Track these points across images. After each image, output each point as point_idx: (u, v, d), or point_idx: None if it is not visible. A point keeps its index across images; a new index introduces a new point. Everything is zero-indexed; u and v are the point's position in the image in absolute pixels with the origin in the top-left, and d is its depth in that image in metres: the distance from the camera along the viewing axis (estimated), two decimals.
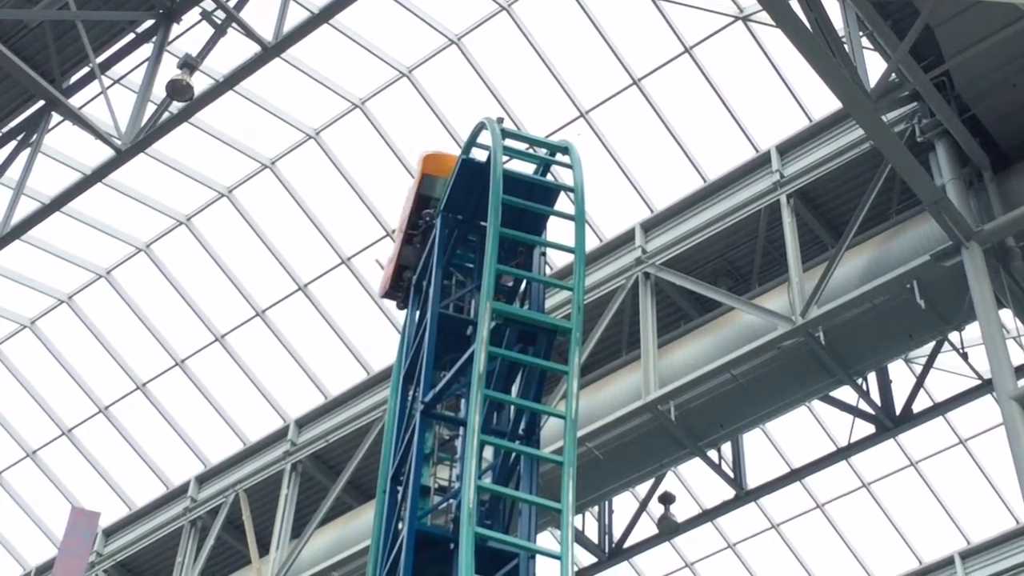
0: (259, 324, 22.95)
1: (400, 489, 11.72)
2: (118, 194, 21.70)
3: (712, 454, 17.79)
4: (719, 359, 16.26)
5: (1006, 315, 15.41)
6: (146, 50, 17.45)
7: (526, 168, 12.61)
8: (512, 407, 11.69)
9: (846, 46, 14.18)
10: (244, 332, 23.14)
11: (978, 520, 23.31)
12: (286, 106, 21.07)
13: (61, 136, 19.48)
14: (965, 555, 19.62)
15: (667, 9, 19.37)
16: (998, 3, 13.69)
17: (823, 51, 13.26)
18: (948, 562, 19.68)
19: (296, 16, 16.77)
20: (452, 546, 10.78)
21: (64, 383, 24.23)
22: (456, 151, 13.14)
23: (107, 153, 17.16)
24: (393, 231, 14.23)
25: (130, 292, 23.23)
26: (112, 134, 16.94)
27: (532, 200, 12.00)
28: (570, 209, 12.09)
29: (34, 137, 17.76)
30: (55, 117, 17.81)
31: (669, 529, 19.13)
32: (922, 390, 17.62)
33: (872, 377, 17.28)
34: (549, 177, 12.69)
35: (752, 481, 18.34)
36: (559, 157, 12.58)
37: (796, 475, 18.81)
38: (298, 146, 21.38)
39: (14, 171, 18.01)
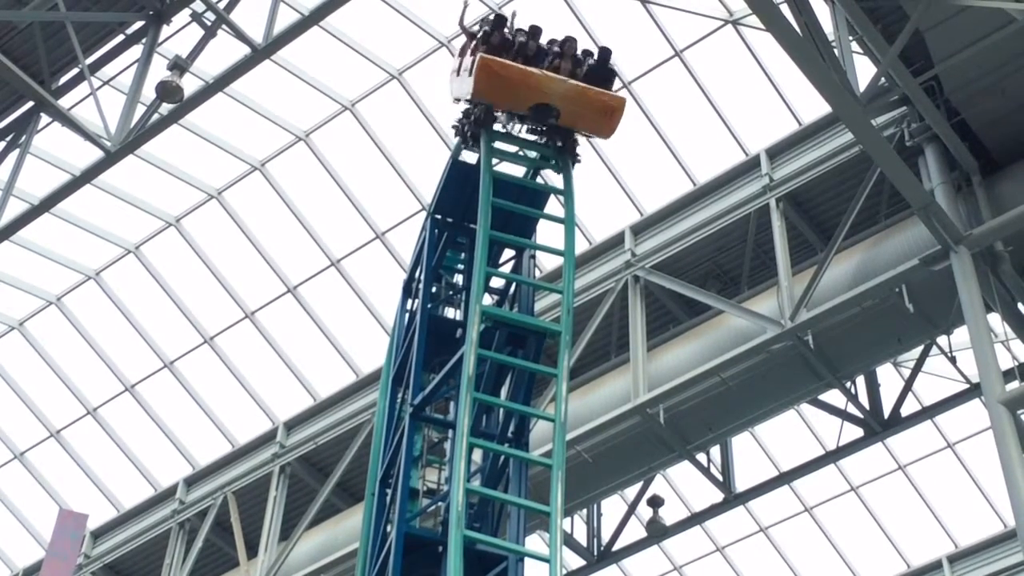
0: (248, 326, 22.91)
1: (389, 491, 11.72)
2: (107, 195, 21.65)
3: (701, 457, 17.80)
4: (708, 362, 16.27)
5: (994, 319, 15.43)
6: (136, 51, 17.43)
7: (516, 171, 12.61)
8: (501, 410, 11.70)
9: (836, 50, 14.19)
10: (233, 334, 23.10)
11: (966, 524, 23.33)
12: (276, 108, 21.04)
13: (50, 137, 19.44)
14: (953, 559, 19.69)
15: (657, 13, 19.38)
16: (987, 8, 13.71)
17: (813, 55, 13.27)
18: (936, 566, 19.77)
19: (286, 18, 16.76)
20: (441, 549, 10.79)
21: (52, 385, 24.17)
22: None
23: (96, 154, 17.14)
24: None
25: (119, 294, 23.18)
26: (101, 135, 16.92)
27: (522, 202, 12.00)
28: (560, 212, 12.09)
29: (23, 138, 17.72)
30: (44, 118, 17.77)
31: (658, 532, 19.13)
32: (910, 394, 17.66)
33: (861, 381, 17.31)
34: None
35: (741, 484, 18.36)
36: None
37: (785, 478, 18.82)
38: (288, 148, 21.35)
39: (3, 172, 17.98)
